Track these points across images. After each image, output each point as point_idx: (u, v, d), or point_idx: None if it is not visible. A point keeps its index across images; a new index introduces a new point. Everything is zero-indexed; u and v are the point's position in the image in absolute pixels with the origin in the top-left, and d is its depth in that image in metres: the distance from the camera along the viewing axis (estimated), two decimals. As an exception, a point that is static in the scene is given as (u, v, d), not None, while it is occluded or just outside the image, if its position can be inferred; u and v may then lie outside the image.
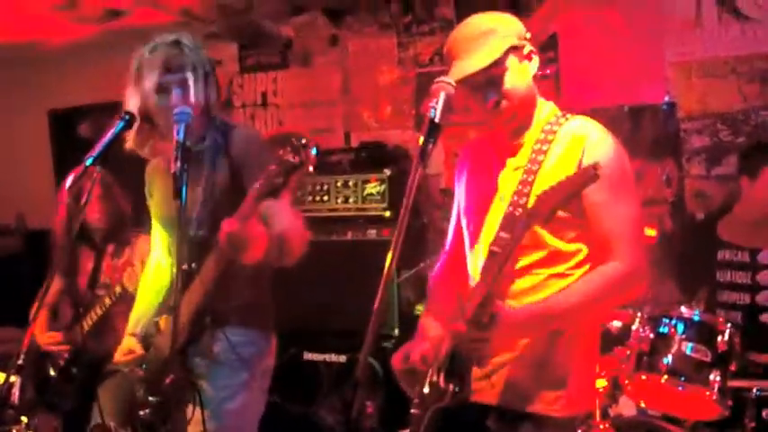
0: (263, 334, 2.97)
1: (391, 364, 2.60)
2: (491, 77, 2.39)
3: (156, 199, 3.05)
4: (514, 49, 2.41)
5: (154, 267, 3.17)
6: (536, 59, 2.47)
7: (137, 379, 2.97)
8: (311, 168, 2.45)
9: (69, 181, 3.88)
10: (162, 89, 2.78)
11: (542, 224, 2.16)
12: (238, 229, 2.47)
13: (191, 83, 2.78)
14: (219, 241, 2.50)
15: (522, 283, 2.41)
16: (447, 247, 2.79)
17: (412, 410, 2.53)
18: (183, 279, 2.73)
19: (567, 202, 2.13)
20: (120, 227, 4.23)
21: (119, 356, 3.01)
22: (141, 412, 2.89)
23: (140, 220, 4.21)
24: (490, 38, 2.38)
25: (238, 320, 2.87)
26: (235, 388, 2.85)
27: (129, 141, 2.83)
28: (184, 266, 2.74)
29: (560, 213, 2.23)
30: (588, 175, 2.08)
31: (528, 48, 2.45)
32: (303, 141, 2.43)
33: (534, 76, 2.48)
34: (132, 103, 2.81)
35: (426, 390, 2.47)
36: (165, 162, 2.92)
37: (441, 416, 2.43)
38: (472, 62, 2.37)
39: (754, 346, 3.48)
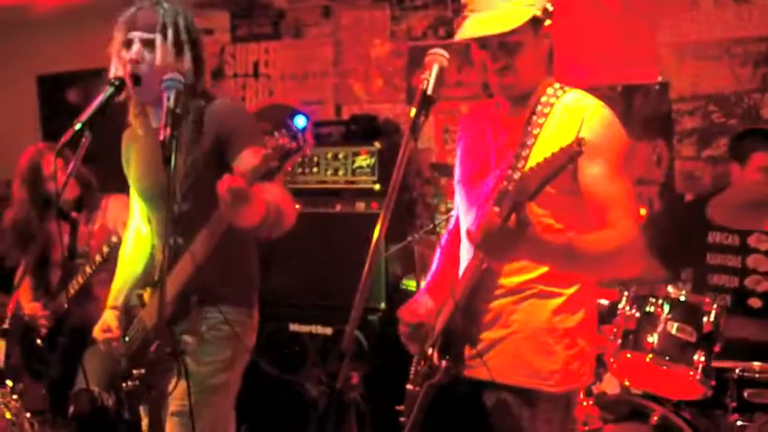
0: (247, 311, 2.94)
1: (398, 315, 2.59)
2: (506, 43, 2.32)
3: (134, 168, 2.99)
4: (535, 20, 2.34)
5: (133, 237, 3.13)
6: (549, 37, 2.40)
7: (118, 353, 2.95)
8: (308, 152, 2.41)
9: (31, 152, 3.87)
10: (127, 44, 2.75)
11: (528, 201, 2.10)
12: (242, 185, 2.38)
13: (158, 42, 2.72)
14: (219, 194, 2.41)
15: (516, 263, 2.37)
16: (452, 222, 2.78)
17: (407, 386, 2.54)
18: (170, 255, 2.66)
19: (554, 177, 2.05)
20: (88, 193, 4.22)
21: (97, 332, 2.97)
22: (124, 384, 2.89)
23: (107, 186, 4.20)
24: (515, 1, 2.31)
25: (224, 298, 2.83)
26: (218, 365, 2.83)
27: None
28: (171, 241, 2.69)
29: (550, 190, 2.17)
30: (572, 150, 2.01)
31: (548, 22, 2.38)
32: (302, 125, 2.38)
33: (545, 53, 2.42)
34: (113, 66, 2.79)
35: (422, 365, 2.48)
36: (141, 128, 2.90)
37: (436, 392, 2.44)
38: (493, 22, 2.29)
39: (741, 329, 3.50)
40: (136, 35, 2.74)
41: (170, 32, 2.75)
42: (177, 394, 2.74)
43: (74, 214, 4.18)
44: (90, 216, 4.22)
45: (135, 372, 2.85)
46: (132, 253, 3.12)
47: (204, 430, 2.76)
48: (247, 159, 2.61)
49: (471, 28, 2.33)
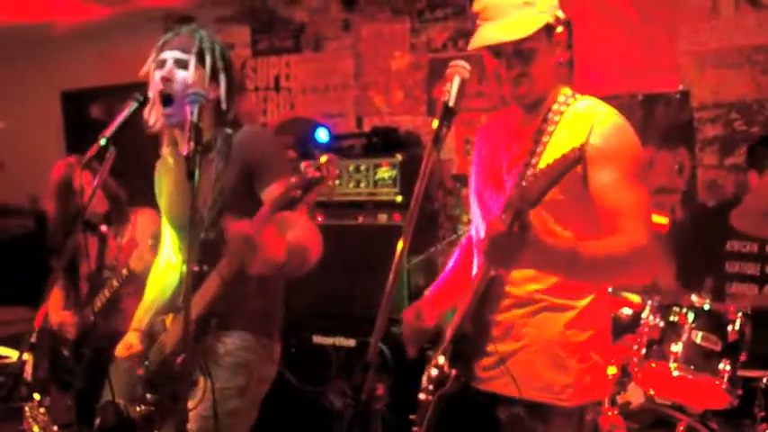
0: (266, 341, 2.91)
1: (402, 316, 2.59)
2: (520, 50, 2.31)
3: (165, 197, 3.01)
4: (548, 27, 2.34)
5: (163, 265, 3.14)
6: (563, 44, 2.40)
7: (137, 376, 2.95)
8: (331, 183, 2.37)
9: (61, 167, 3.92)
10: (160, 64, 2.75)
11: (530, 208, 2.06)
12: (250, 234, 2.37)
13: (192, 62, 2.72)
14: (226, 241, 2.44)
15: (525, 271, 2.35)
16: (463, 243, 2.78)
17: (419, 396, 2.53)
18: (194, 279, 2.67)
19: (554, 184, 2.03)
20: (116, 207, 4.26)
21: (119, 350, 2.99)
22: (138, 408, 2.89)
23: (135, 200, 4.25)
24: (527, 9, 2.31)
25: (243, 326, 2.82)
26: (229, 391, 2.79)
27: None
28: (195, 268, 2.70)
29: (559, 197, 2.18)
30: (571, 157, 2.00)
31: (560, 29, 2.38)
32: (327, 158, 2.34)
33: (557, 60, 2.42)
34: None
35: (434, 373, 2.48)
36: (173, 157, 2.90)
37: (448, 403, 2.44)
38: (506, 30, 2.29)
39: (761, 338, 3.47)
40: (169, 55, 2.74)
41: (207, 57, 2.76)
42: (195, 412, 2.74)
43: (103, 228, 4.22)
44: (119, 230, 4.25)
45: (149, 396, 2.85)
46: (161, 279, 3.13)
47: None
48: (276, 193, 2.56)
49: (485, 36, 2.33)
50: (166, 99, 2.72)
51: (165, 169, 3.02)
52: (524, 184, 2.11)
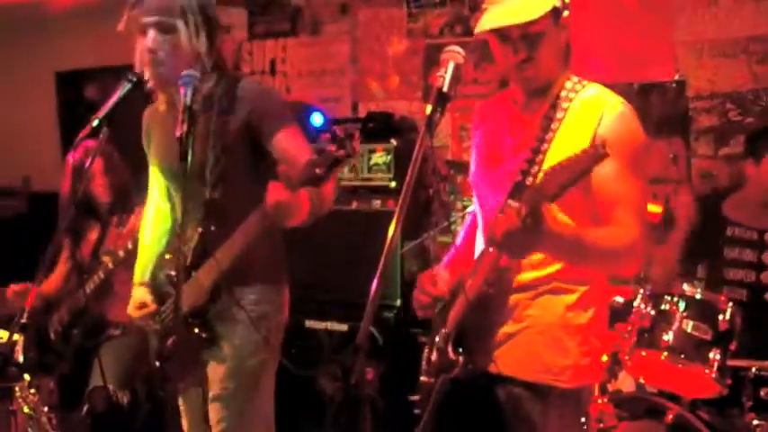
0: (276, 289, 2.94)
1: (418, 280, 2.57)
2: (528, 34, 2.30)
3: (155, 145, 2.99)
4: (555, 11, 2.33)
5: (152, 214, 3.13)
6: (568, 29, 2.40)
7: (151, 331, 2.95)
8: (354, 159, 2.40)
9: (79, 148, 3.93)
10: (142, 29, 2.71)
11: (550, 202, 2.11)
12: (287, 199, 2.42)
13: (178, 28, 2.68)
14: (266, 208, 2.46)
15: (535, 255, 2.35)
16: (470, 217, 2.78)
17: (421, 378, 2.54)
18: (204, 242, 2.73)
19: (577, 181, 2.04)
20: (124, 198, 4.26)
21: (131, 310, 2.96)
22: (157, 363, 2.86)
23: (141, 189, 4.26)
24: None
25: (254, 278, 2.83)
26: (253, 345, 2.82)
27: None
28: (200, 229, 2.74)
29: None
30: (596, 154, 2.01)
31: (566, 13, 2.37)
32: (349, 133, 2.34)
33: (564, 45, 2.41)
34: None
35: (434, 357, 2.49)
36: (164, 104, 2.89)
37: (449, 384, 2.44)
38: (513, 12, 2.28)
39: (757, 324, 3.48)
40: (150, 20, 2.68)
41: (189, 16, 2.70)
42: (216, 378, 2.75)
43: (109, 217, 4.24)
44: (122, 218, 4.26)
45: (168, 345, 2.77)
46: (153, 230, 3.12)
47: (248, 412, 2.79)
48: (284, 143, 2.64)
49: (493, 19, 2.32)
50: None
51: (154, 116, 2.99)
52: (542, 176, 2.09)
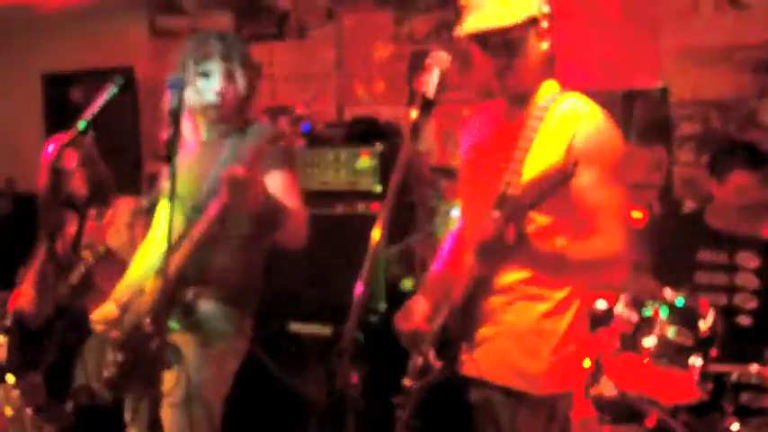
0: (241, 315, 3.02)
1: (394, 323, 2.63)
2: (508, 40, 2.34)
3: (181, 178, 3.06)
4: (535, 21, 2.36)
5: (151, 243, 3.22)
6: (549, 40, 2.42)
7: (110, 341, 3.00)
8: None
9: (56, 146, 3.94)
10: (203, 73, 2.95)
11: (527, 211, 2.14)
12: (243, 173, 2.52)
13: (239, 74, 2.99)
14: (221, 182, 2.57)
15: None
16: (450, 239, 2.80)
17: (404, 381, 2.56)
18: (179, 244, 2.81)
19: (548, 195, 2.09)
20: (102, 192, 4.27)
21: (96, 315, 3.04)
22: (106, 372, 2.94)
23: (121, 184, 4.29)
24: (512, 0, 2.33)
25: (221, 295, 2.92)
26: (206, 359, 2.89)
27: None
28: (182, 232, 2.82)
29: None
30: (565, 171, 2.06)
31: (545, 24, 2.40)
32: (311, 96, 2.55)
33: (544, 56, 2.44)
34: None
35: (420, 362, 2.50)
36: (191, 143, 3.06)
37: (429, 387, 2.47)
38: (493, 17, 2.30)
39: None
40: (215, 67, 2.96)
41: (238, 63, 3.01)
42: (170, 384, 2.78)
43: (87, 210, 4.25)
44: (100, 212, 4.27)
45: (120, 357, 2.90)
46: (146, 259, 3.20)
47: (195, 425, 2.82)
48: (277, 182, 2.81)
49: (472, 24, 2.35)
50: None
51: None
52: (519, 187, 2.13)
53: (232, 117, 3.02)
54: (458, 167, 2.72)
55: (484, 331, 2.44)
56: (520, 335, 2.42)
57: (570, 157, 2.18)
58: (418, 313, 2.57)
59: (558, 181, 2.05)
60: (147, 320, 2.80)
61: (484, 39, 2.36)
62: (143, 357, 2.77)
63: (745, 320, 3.72)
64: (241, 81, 3.01)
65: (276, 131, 2.57)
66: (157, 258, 3.13)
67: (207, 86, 2.96)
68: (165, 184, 3.14)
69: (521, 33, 2.34)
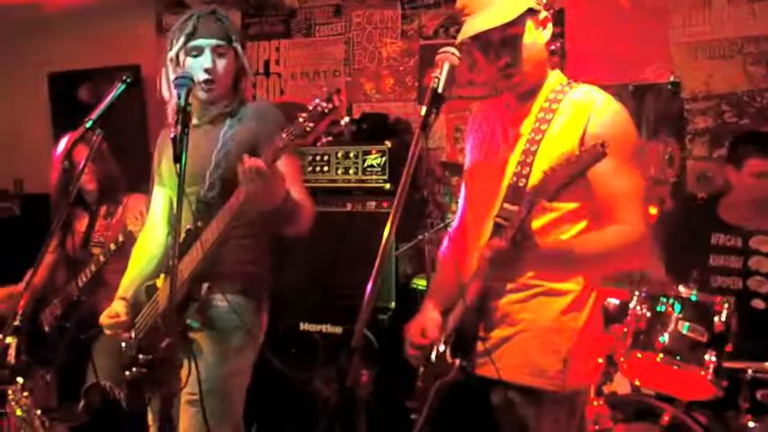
0: (256, 305, 2.99)
1: (405, 333, 2.60)
2: (506, 37, 2.35)
3: (169, 164, 3.03)
4: (532, 12, 2.36)
5: (149, 233, 3.19)
6: (550, 27, 2.43)
7: (124, 340, 2.99)
8: (339, 119, 2.51)
9: (67, 143, 3.93)
10: (194, 51, 2.91)
11: (548, 200, 2.14)
12: (262, 167, 2.51)
13: (229, 52, 2.94)
14: (239, 174, 2.56)
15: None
16: (457, 221, 2.77)
17: (418, 383, 2.54)
18: (189, 239, 2.80)
19: (573, 180, 2.08)
20: (112, 189, 4.27)
21: (104, 319, 3.03)
22: (127, 372, 2.91)
23: (130, 182, 4.27)
24: None
25: (235, 288, 2.89)
26: (226, 353, 2.87)
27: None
28: (189, 226, 2.82)
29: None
30: (596, 153, 2.04)
31: (544, 14, 2.41)
32: (334, 89, 2.50)
33: (546, 46, 2.45)
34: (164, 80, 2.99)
35: (433, 361, 2.47)
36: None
37: (445, 389, 2.44)
38: (490, 18, 2.31)
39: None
40: (205, 43, 2.91)
41: (235, 43, 2.97)
42: (189, 383, 2.76)
43: (97, 207, 4.25)
44: (110, 210, 4.26)
45: (141, 358, 2.87)
46: (146, 250, 3.17)
47: (215, 419, 2.79)
48: (280, 166, 2.72)
49: (470, 27, 2.35)
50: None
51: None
52: (543, 176, 2.12)
53: (224, 96, 2.97)
54: (463, 164, 2.71)
55: (502, 332, 2.42)
56: (539, 333, 2.40)
57: (587, 143, 2.16)
58: (431, 326, 2.53)
59: (587, 164, 2.05)
60: (161, 321, 2.79)
61: (484, 41, 2.37)
62: (163, 357, 2.74)
63: (759, 304, 3.72)
64: (231, 57, 2.97)
65: (299, 128, 2.49)
66: (158, 248, 3.14)
67: (196, 64, 2.91)
68: (157, 170, 3.14)
69: (519, 28, 2.35)
